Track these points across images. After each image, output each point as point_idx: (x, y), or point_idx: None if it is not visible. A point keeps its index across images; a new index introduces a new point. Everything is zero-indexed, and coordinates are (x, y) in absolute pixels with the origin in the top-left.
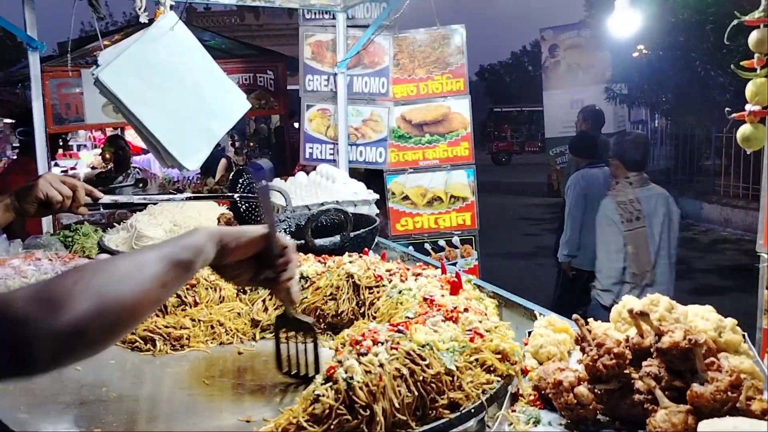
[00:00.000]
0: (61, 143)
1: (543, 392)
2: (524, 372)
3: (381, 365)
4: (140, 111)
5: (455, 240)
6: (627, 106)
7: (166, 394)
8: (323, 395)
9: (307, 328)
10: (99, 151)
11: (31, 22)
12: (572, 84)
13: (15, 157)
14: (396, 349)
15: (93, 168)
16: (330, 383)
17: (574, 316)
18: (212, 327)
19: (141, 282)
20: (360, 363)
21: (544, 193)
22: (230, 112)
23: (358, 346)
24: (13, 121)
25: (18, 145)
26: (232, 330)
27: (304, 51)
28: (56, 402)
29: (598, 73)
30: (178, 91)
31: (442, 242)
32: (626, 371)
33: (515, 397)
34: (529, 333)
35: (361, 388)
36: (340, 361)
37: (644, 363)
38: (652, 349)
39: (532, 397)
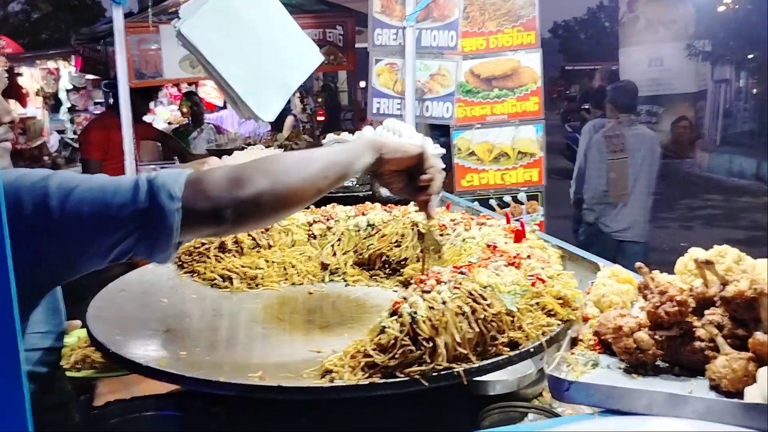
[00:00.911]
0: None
1: (603, 338)
2: (585, 320)
3: (444, 302)
4: (219, 63)
5: (521, 196)
6: (710, 64)
7: (242, 326)
8: (389, 327)
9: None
10: (174, 108)
11: None
12: (651, 40)
13: (98, 113)
14: (458, 288)
15: (169, 123)
16: (395, 317)
17: (637, 264)
18: (284, 268)
19: (307, 172)
20: (424, 300)
21: None
22: (304, 64)
23: (422, 285)
24: (96, 77)
25: (101, 101)
26: (303, 272)
27: (373, 4)
28: (145, 328)
29: (680, 28)
30: (254, 43)
31: (507, 198)
32: (688, 319)
33: (575, 342)
34: (593, 284)
35: (424, 322)
36: (404, 297)
37: (707, 312)
38: (716, 299)
39: (591, 342)
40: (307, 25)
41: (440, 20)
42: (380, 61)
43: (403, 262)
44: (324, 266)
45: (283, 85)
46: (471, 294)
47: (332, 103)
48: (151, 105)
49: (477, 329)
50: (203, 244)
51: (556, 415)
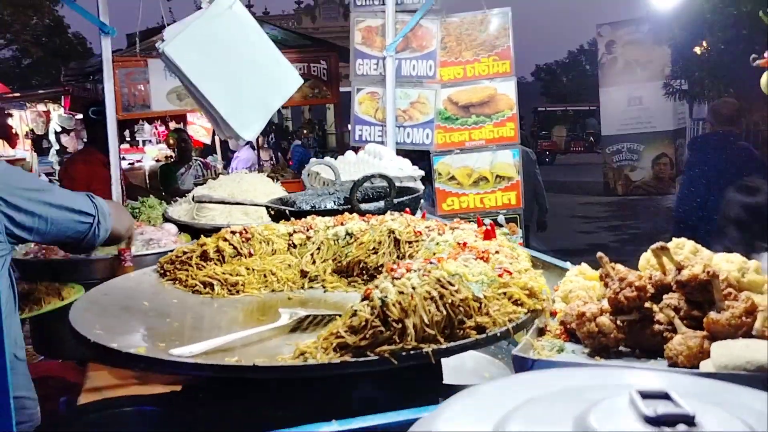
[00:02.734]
0: (128, 137)
1: (568, 326)
2: (553, 314)
3: (413, 287)
4: (201, 84)
5: (500, 219)
6: (687, 102)
7: (222, 326)
8: (360, 310)
9: None
10: (162, 146)
11: (104, 9)
12: (630, 81)
13: (81, 147)
14: (427, 276)
15: (157, 161)
16: (366, 301)
17: (599, 254)
18: (265, 276)
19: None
20: (394, 285)
21: (599, 192)
22: (284, 87)
23: (392, 272)
24: (89, 109)
25: (86, 139)
26: (282, 279)
27: (354, 36)
28: (126, 325)
29: (657, 68)
30: (236, 65)
31: (487, 221)
32: (647, 306)
33: (542, 332)
34: (561, 282)
35: (394, 305)
36: (376, 285)
37: (665, 296)
38: (672, 284)
39: (558, 332)
40: (292, 59)
41: (419, 50)
42: (362, 91)
43: (380, 269)
44: (303, 274)
45: (264, 106)
46: (439, 280)
47: (318, 138)
48: (140, 142)
49: (445, 312)
50: (185, 252)
51: None
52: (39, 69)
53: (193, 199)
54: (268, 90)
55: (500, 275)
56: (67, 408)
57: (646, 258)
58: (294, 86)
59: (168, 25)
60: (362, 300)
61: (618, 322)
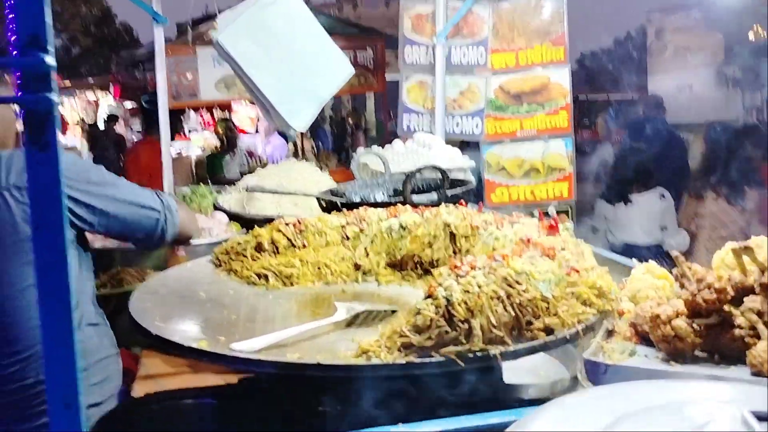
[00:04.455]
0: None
1: (640, 328)
2: (620, 314)
3: (479, 286)
4: (254, 73)
5: (551, 211)
6: (741, 90)
7: (279, 318)
8: (424, 309)
9: None
10: (208, 134)
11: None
12: (680, 68)
13: (141, 137)
14: (493, 274)
15: (203, 150)
16: (430, 299)
17: (674, 253)
18: (318, 268)
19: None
20: (459, 284)
21: None
22: (335, 76)
23: (456, 270)
24: (134, 108)
25: (139, 128)
26: (336, 272)
27: (404, 23)
28: (184, 318)
29: (709, 56)
30: (287, 54)
31: (536, 213)
32: (727, 309)
33: (610, 334)
34: (627, 280)
35: (459, 305)
36: (439, 282)
37: (746, 299)
38: (755, 287)
39: (628, 334)
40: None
41: (470, 37)
42: (410, 78)
43: (435, 263)
44: (357, 267)
45: (315, 96)
46: (506, 279)
47: (360, 125)
48: (185, 131)
49: (512, 313)
50: (240, 244)
51: None
52: (87, 58)
53: (246, 189)
54: (319, 79)
55: (568, 273)
56: (124, 398)
57: (720, 257)
58: (346, 76)
59: (218, 13)
60: (425, 298)
61: (695, 325)
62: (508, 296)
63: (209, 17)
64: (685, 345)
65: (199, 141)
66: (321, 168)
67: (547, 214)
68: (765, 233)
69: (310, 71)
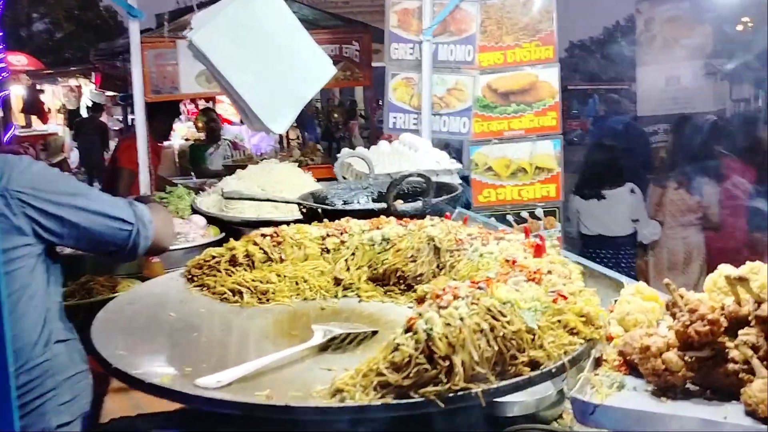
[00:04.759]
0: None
1: (628, 358)
2: (609, 339)
3: (461, 318)
4: (231, 74)
5: (538, 212)
6: (729, 83)
7: (251, 342)
8: (403, 344)
9: None
10: (191, 124)
11: None
12: (668, 59)
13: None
14: (476, 304)
15: (186, 139)
16: (410, 333)
17: (666, 280)
18: (296, 283)
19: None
20: (440, 316)
21: None
22: (317, 77)
23: (438, 300)
24: (117, 94)
25: (119, 117)
26: (315, 287)
27: (389, 19)
28: (151, 343)
29: (698, 47)
30: (267, 55)
31: (524, 214)
32: (720, 340)
33: (598, 362)
34: (616, 301)
35: (440, 339)
36: (420, 313)
37: (741, 332)
38: (750, 318)
39: (616, 363)
40: (323, 40)
41: (457, 34)
42: (396, 76)
43: (418, 278)
44: (337, 281)
45: (296, 98)
46: (489, 310)
47: (348, 119)
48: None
49: (496, 347)
50: (213, 257)
51: None
52: (71, 43)
53: (223, 195)
54: (299, 80)
55: (554, 300)
56: (89, 424)
57: (713, 280)
58: (327, 76)
59: (197, 5)
60: (405, 331)
61: (687, 358)
62: (492, 329)
63: (189, 9)
64: (676, 379)
65: (183, 130)
66: (306, 162)
67: (534, 216)
68: (724, 221)
69: (290, 72)
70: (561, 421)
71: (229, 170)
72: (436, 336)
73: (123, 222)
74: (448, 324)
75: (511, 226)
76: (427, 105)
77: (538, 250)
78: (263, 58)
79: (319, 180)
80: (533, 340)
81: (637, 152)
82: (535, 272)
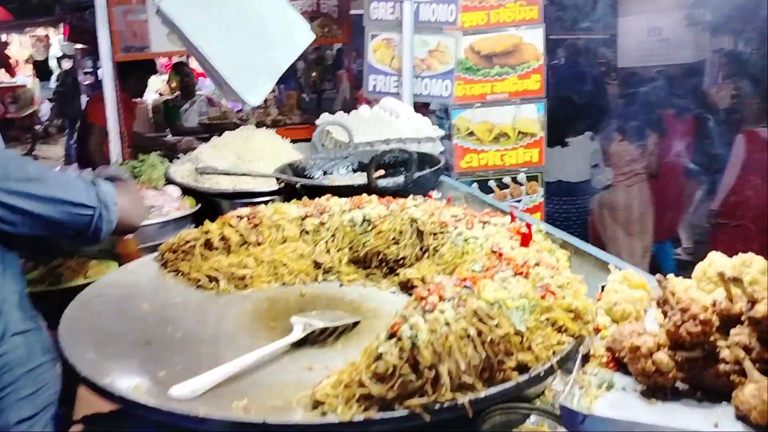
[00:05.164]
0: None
1: (617, 355)
2: (596, 330)
3: (447, 324)
4: (202, 43)
5: (521, 177)
6: (709, 34)
7: (229, 335)
8: (386, 353)
9: None
10: (166, 77)
11: None
12: (650, 9)
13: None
14: (463, 306)
15: (160, 94)
16: (394, 340)
17: (658, 276)
18: (275, 267)
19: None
20: (425, 321)
21: None
22: (295, 44)
23: (423, 302)
24: (86, 47)
25: (90, 70)
26: (294, 271)
27: None
28: (123, 342)
29: None
30: (241, 21)
31: (507, 179)
32: (711, 338)
33: (587, 358)
34: (603, 287)
35: (426, 348)
36: (404, 317)
37: (733, 331)
38: (742, 317)
39: (605, 359)
40: None
41: None
42: (376, 37)
43: (401, 261)
44: (317, 264)
45: (272, 67)
46: (476, 313)
47: (335, 70)
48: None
49: (483, 354)
50: (188, 242)
51: (558, 418)
52: None
53: (197, 170)
54: (276, 48)
55: (542, 297)
56: (63, 423)
57: (702, 269)
58: (305, 42)
59: None
60: (389, 338)
61: (677, 357)
62: (479, 333)
63: None
64: (666, 380)
65: (157, 85)
66: (285, 122)
67: (517, 181)
68: (663, 170)
69: (266, 39)
70: (543, 398)
71: (206, 128)
72: (422, 345)
73: (83, 207)
74: (434, 330)
75: (492, 191)
76: (408, 67)
77: (525, 240)
78: (237, 25)
79: (298, 141)
80: (521, 342)
81: (595, 102)
82: (522, 265)
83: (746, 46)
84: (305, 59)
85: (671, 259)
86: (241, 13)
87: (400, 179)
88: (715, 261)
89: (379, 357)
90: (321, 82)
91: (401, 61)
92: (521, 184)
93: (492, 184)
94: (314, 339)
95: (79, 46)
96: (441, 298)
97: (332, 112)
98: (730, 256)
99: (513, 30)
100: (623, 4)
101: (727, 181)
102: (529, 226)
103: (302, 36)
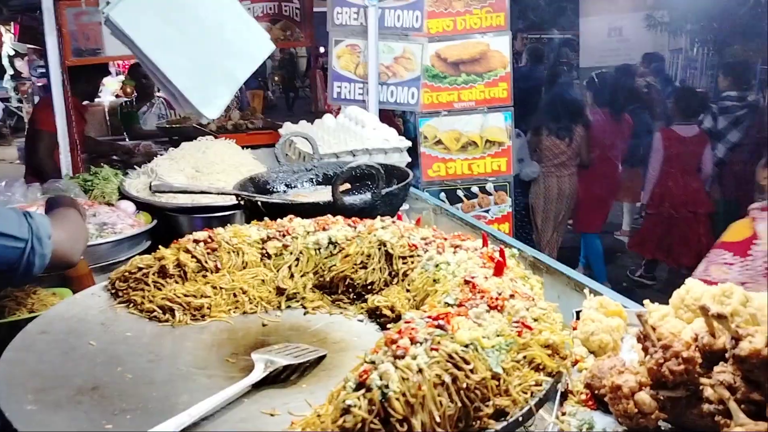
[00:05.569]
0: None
1: (596, 392)
2: (573, 363)
3: (420, 371)
4: (156, 55)
5: (489, 186)
6: (668, 34)
7: (184, 374)
8: (355, 406)
9: None
10: (123, 78)
11: None
12: (612, 10)
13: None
14: (437, 350)
15: (117, 96)
16: (363, 391)
17: (637, 312)
18: (235, 295)
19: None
20: (396, 368)
21: None
22: (254, 54)
23: (393, 347)
24: (37, 47)
25: (44, 70)
26: (255, 298)
27: None
28: (68, 386)
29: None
30: (197, 31)
31: (475, 189)
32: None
33: (564, 395)
34: (577, 313)
35: (397, 399)
36: (373, 362)
37: (716, 369)
38: (726, 354)
39: (583, 396)
40: None
41: None
42: (341, 43)
43: (369, 287)
44: (280, 291)
45: (230, 78)
46: (451, 357)
47: (290, 83)
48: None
49: (459, 402)
50: (140, 269)
51: None
52: None
53: (151, 188)
54: (234, 59)
55: (519, 333)
56: None
57: (680, 296)
58: (265, 53)
59: None
60: (357, 387)
61: (660, 396)
62: (454, 380)
63: None
64: (649, 422)
65: (114, 86)
66: (246, 126)
67: (485, 191)
68: (591, 167)
69: (224, 50)
70: None
71: (165, 132)
72: (393, 396)
73: (13, 239)
74: (406, 378)
75: (461, 201)
76: (373, 74)
77: (499, 268)
78: (192, 36)
79: (261, 147)
80: (499, 385)
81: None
82: (497, 299)
83: (700, 48)
84: (272, 57)
85: (598, 250)
86: (197, 23)
87: (367, 196)
88: (693, 289)
89: (347, 410)
90: (290, 82)
91: (366, 67)
92: (490, 194)
93: (460, 193)
94: (277, 377)
95: (31, 46)
96: (413, 341)
97: (311, 114)
98: (660, 242)
99: (479, 37)
100: (585, 4)
101: (651, 174)
102: (502, 252)
103: (261, 46)
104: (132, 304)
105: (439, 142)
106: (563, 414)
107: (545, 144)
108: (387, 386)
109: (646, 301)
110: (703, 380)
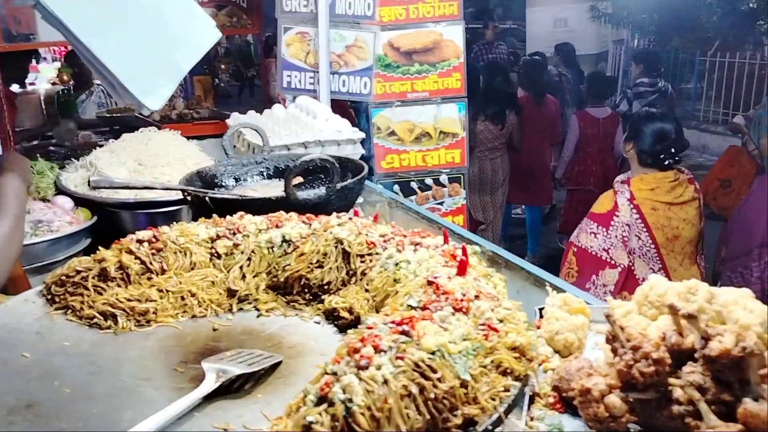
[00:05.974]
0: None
1: (564, 394)
2: (539, 362)
3: (386, 381)
4: (92, 42)
5: (443, 178)
6: (612, 26)
7: (128, 387)
8: (317, 422)
9: None
10: (60, 64)
11: None
12: (557, 1)
13: None
14: (402, 359)
15: (53, 84)
16: (324, 405)
17: (605, 312)
18: (182, 298)
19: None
20: (360, 379)
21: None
22: (198, 43)
23: (357, 356)
24: None
25: None
26: (205, 301)
27: None
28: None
29: None
30: (138, 18)
31: (429, 181)
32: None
33: (531, 398)
34: (540, 311)
35: (362, 414)
36: (335, 373)
37: (685, 369)
38: (696, 354)
39: (551, 399)
40: None
41: None
42: (290, 30)
43: (325, 287)
44: (231, 293)
45: (173, 68)
46: (418, 366)
47: (241, 72)
48: (33, 62)
49: (427, 414)
50: (79, 272)
51: None
52: None
53: (90, 184)
54: (178, 47)
55: (486, 336)
56: None
57: (644, 293)
58: (210, 42)
59: None
60: (318, 402)
61: (630, 398)
62: (422, 390)
63: None
64: (619, 425)
65: (49, 72)
66: (192, 116)
67: (439, 183)
68: (522, 146)
69: (166, 37)
70: None
71: (105, 121)
72: (357, 410)
73: None
74: (371, 391)
75: (415, 193)
76: (324, 63)
77: (462, 268)
78: (132, 22)
79: (207, 137)
80: (467, 393)
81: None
82: (461, 300)
83: (641, 39)
84: (219, 43)
85: (538, 222)
86: (139, 9)
87: (321, 190)
88: (657, 285)
89: (308, 427)
90: (242, 71)
91: (317, 56)
92: (444, 186)
93: (414, 185)
94: (229, 386)
95: None
96: (376, 349)
97: (264, 104)
98: (581, 216)
99: (432, 26)
100: None
101: (566, 153)
102: (464, 250)
103: (207, 34)
104: (70, 311)
105: (393, 133)
106: (531, 419)
107: (480, 129)
108: (351, 400)
109: (609, 298)
110: (672, 381)
